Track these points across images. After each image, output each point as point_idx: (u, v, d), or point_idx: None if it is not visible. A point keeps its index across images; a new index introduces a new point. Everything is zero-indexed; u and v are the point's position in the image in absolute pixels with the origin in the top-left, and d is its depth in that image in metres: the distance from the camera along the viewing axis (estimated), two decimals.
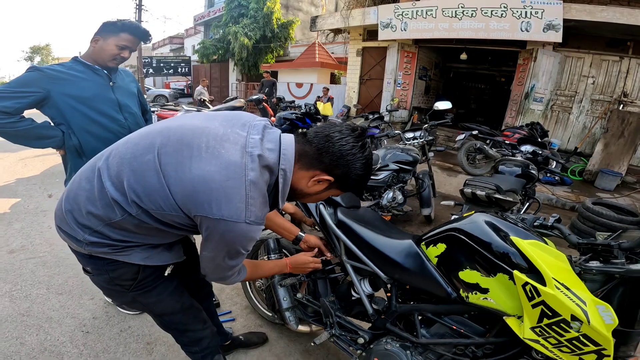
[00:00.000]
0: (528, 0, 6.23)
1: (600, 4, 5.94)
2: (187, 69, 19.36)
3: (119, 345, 1.82)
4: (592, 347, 0.77)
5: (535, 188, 3.10)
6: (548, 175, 3.59)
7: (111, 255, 0.94)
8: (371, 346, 1.28)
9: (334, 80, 13.56)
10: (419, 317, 1.22)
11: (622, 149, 5.65)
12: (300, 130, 5.38)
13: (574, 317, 0.78)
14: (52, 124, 1.63)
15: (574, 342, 0.79)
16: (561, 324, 0.80)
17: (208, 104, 8.12)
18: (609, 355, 0.78)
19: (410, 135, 3.58)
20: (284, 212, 1.70)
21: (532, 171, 2.81)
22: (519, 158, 3.00)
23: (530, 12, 6.17)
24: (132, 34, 1.62)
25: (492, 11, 6.49)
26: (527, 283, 0.84)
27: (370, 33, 9.09)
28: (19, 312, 2.04)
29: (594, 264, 0.91)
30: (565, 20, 5.91)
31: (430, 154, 3.57)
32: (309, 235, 1.48)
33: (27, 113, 1.55)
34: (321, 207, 1.41)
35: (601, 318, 0.77)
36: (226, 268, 0.95)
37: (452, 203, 2.76)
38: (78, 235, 0.91)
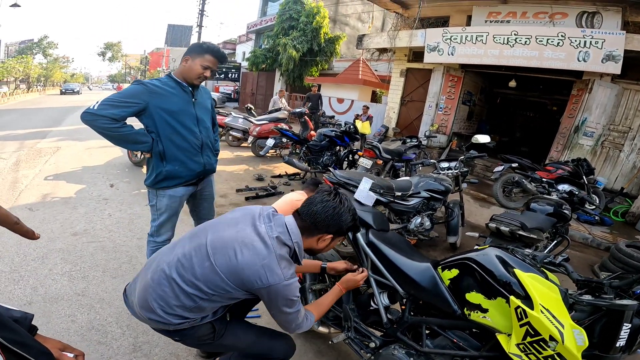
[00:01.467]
0: (588, 30, 6.02)
1: None
2: (236, 75, 20.50)
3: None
4: None
5: (568, 227, 3.07)
6: (587, 214, 3.49)
7: (189, 324, 1.24)
8: (380, 351, 1.46)
9: (375, 98, 13.50)
10: (426, 330, 1.38)
11: None
12: (339, 147, 5.60)
13: (551, 338, 0.93)
14: (146, 131, 1.85)
15: (549, 359, 0.93)
16: (540, 342, 0.95)
17: (254, 112, 8.67)
18: None
19: (445, 165, 3.58)
20: None
21: (566, 211, 2.81)
22: (554, 197, 2.99)
23: (590, 41, 5.90)
24: (214, 56, 1.83)
25: (548, 40, 6.28)
26: (519, 306, 1.00)
27: (416, 54, 9.03)
28: (76, 291, 2.22)
29: (586, 297, 1.06)
30: (625, 51, 5.64)
31: (464, 185, 3.57)
32: (331, 263, 1.71)
33: None
34: None
35: (575, 340, 0.91)
36: (293, 316, 1.25)
37: (476, 235, 2.81)
38: (169, 322, 1.20)
